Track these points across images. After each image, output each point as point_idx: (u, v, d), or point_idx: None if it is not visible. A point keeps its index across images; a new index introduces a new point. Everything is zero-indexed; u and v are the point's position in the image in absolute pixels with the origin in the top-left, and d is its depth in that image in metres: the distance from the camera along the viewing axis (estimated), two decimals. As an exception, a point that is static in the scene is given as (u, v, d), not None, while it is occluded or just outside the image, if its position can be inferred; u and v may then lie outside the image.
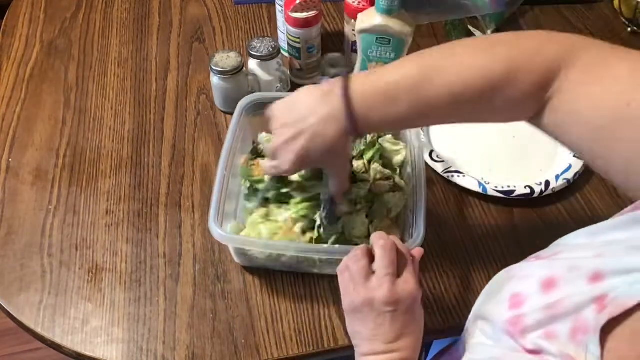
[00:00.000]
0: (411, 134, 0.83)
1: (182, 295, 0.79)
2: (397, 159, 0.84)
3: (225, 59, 0.97)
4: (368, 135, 0.83)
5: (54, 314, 0.77)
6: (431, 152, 0.94)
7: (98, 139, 0.99)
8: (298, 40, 1.01)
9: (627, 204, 0.58)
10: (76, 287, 0.80)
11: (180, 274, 0.81)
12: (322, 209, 0.75)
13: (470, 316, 0.64)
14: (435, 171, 0.91)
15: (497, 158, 0.95)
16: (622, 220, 0.51)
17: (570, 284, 0.48)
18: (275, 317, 0.77)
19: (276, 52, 0.99)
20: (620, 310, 0.42)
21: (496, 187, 0.88)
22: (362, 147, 0.83)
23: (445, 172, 0.90)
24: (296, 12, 0.98)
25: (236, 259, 0.81)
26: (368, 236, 0.76)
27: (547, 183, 0.88)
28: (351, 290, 0.62)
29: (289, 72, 1.06)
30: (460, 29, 1.16)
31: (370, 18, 0.92)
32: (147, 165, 0.95)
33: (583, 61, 0.54)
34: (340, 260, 0.66)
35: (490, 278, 0.80)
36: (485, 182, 0.89)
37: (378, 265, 0.62)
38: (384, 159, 0.83)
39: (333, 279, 0.69)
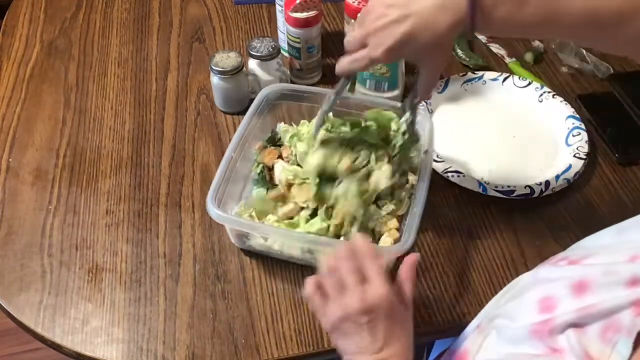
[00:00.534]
0: (426, 140, 0.83)
1: (182, 295, 0.79)
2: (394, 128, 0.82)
3: (225, 59, 0.97)
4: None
5: (54, 314, 0.77)
6: (431, 152, 0.94)
7: (98, 139, 0.99)
8: (298, 40, 1.01)
9: (628, 204, 0.58)
10: (76, 287, 0.80)
11: (180, 274, 0.81)
12: (408, 114, 0.71)
13: (485, 313, 0.63)
14: (435, 171, 0.91)
15: (497, 158, 0.95)
16: None
17: (606, 289, 0.47)
18: (275, 317, 0.77)
19: (276, 52, 0.99)
20: None
21: (496, 187, 0.88)
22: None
23: (445, 172, 0.90)
24: (296, 12, 0.98)
25: (233, 240, 0.82)
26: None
27: (547, 183, 0.88)
28: (325, 310, 0.60)
29: (289, 72, 1.06)
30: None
31: (370, 18, 0.92)
32: (147, 165, 0.95)
33: None
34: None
35: (490, 278, 0.81)
36: (485, 182, 0.89)
37: (341, 277, 0.59)
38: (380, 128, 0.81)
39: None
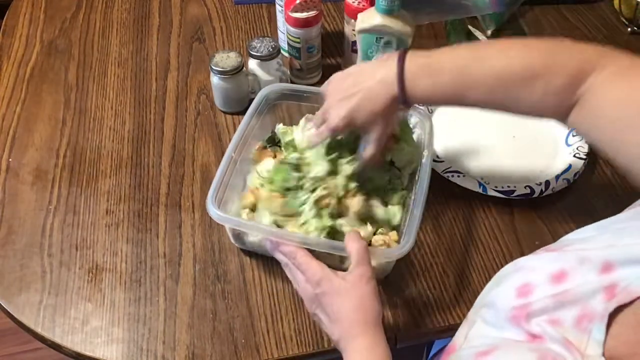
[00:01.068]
0: (426, 140, 0.84)
1: (182, 295, 0.79)
2: None
3: (225, 59, 0.97)
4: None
5: (54, 314, 0.77)
6: (431, 152, 0.94)
7: (98, 139, 0.99)
8: (298, 40, 1.01)
9: (628, 204, 0.58)
10: (76, 287, 0.80)
11: (180, 274, 0.81)
12: (355, 166, 0.79)
13: (473, 307, 0.64)
14: (435, 171, 0.91)
15: (497, 158, 0.95)
16: (637, 211, 0.53)
17: (580, 275, 0.49)
18: (275, 317, 0.77)
19: (276, 52, 0.99)
20: (629, 298, 0.44)
21: (496, 187, 0.88)
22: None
23: (445, 172, 0.90)
24: (296, 12, 0.98)
25: (232, 240, 0.82)
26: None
27: (547, 183, 0.88)
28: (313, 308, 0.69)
29: (289, 72, 1.06)
30: (460, 29, 1.16)
31: (370, 18, 0.92)
32: (147, 165, 0.95)
33: (615, 65, 0.59)
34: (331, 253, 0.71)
35: (490, 278, 0.80)
36: (485, 182, 0.89)
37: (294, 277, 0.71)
38: None
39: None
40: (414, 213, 0.74)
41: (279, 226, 0.77)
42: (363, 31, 0.94)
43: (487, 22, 1.15)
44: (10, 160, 0.95)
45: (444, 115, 1.01)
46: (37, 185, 0.92)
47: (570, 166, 0.91)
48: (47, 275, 0.81)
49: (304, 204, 0.77)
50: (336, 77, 0.77)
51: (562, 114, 0.63)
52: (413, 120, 0.87)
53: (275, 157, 0.87)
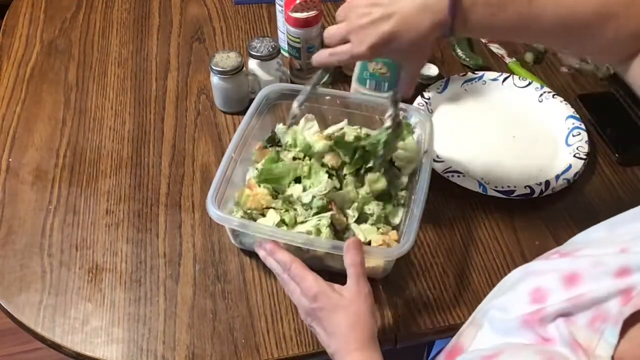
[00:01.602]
0: (426, 140, 0.84)
1: (182, 295, 0.79)
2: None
3: (225, 59, 0.97)
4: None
5: (54, 314, 0.77)
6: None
7: (98, 139, 0.99)
8: (298, 40, 1.01)
9: (628, 204, 0.58)
10: (76, 287, 0.80)
11: (180, 274, 0.81)
12: (391, 110, 0.75)
13: (479, 308, 0.64)
14: (435, 171, 0.91)
15: (497, 158, 0.95)
16: None
17: (595, 280, 0.48)
18: (275, 317, 0.77)
19: (276, 52, 0.99)
20: None
21: (496, 187, 0.88)
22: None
23: (445, 172, 0.90)
24: (296, 12, 0.98)
25: (232, 240, 0.83)
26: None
27: (547, 183, 0.88)
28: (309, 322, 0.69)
29: (289, 72, 1.06)
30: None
31: (370, 18, 0.92)
32: (147, 165, 0.95)
33: None
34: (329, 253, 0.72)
35: (490, 278, 0.81)
36: (485, 182, 0.89)
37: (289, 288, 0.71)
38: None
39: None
40: (414, 213, 0.74)
41: (252, 219, 0.79)
42: (363, 31, 0.94)
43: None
44: (10, 160, 0.95)
45: (444, 115, 1.01)
46: (37, 185, 0.92)
47: (570, 166, 0.91)
48: (47, 275, 0.81)
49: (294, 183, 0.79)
50: None
51: (626, 59, 0.60)
52: (413, 120, 0.87)
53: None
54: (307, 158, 0.84)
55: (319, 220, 0.76)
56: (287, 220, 0.78)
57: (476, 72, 1.06)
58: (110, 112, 1.03)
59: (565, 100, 1.01)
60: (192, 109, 1.03)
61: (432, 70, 1.05)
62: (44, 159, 0.96)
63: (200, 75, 1.09)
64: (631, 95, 1.02)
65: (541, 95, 1.02)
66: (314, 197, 0.78)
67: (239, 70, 0.97)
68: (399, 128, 0.78)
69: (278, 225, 0.77)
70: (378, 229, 0.79)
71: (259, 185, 0.81)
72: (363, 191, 0.81)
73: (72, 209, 0.89)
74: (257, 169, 0.83)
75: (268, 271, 0.81)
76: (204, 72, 1.09)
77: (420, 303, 0.79)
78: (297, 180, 0.82)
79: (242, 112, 0.92)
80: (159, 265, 0.82)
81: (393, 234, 0.79)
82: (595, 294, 0.47)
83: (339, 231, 0.78)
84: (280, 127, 0.89)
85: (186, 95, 1.06)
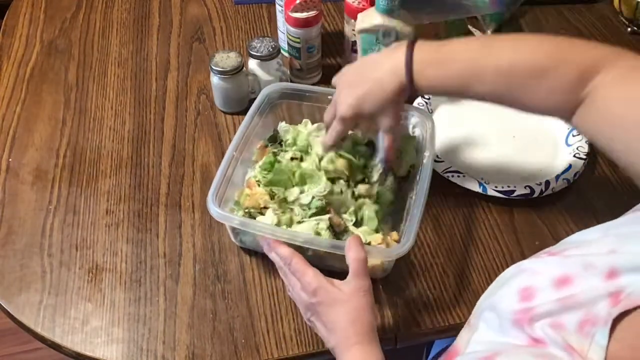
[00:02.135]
0: (427, 140, 0.84)
1: (182, 295, 0.79)
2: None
3: (225, 59, 0.97)
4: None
5: (54, 314, 0.77)
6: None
7: (98, 139, 0.99)
8: (298, 40, 1.01)
9: (628, 204, 0.58)
10: (76, 287, 0.80)
11: (180, 274, 0.81)
12: (377, 164, 0.83)
13: (475, 310, 0.64)
14: (435, 171, 0.91)
15: (497, 158, 0.95)
16: (638, 215, 0.52)
17: (585, 281, 0.49)
18: (275, 317, 0.77)
19: (276, 52, 0.99)
20: (634, 304, 0.43)
21: (496, 187, 0.88)
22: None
23: (445, 172, 0.90)
24: (296, 12, 0.98)
25: (232, 238, 0.83)
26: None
27: (547, 183, 0.88)
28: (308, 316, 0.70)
29: (289, 72, 1.06)
30: (460, 29, 1.16)
31: (370, 18, 0.92)
32: (147, 165, 0.95)
33: (624, 64, 0.59)
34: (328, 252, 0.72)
35: (490, 278, 0.81)
36: (485, 182, 0.89)
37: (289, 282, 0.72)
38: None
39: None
40: (414, 213, 0.74)
41: (252, 217, 0.79)
42: (363, 31, 0.94)
43: (487, 22, 1.15)
44: (10, 160, 0.95)
45: (444, 116, 1.01)
46: (37, 185, 0.92)
47: (570, 166, 0.91)
48: (47, 275, 0.81)
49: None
50: (346, 69, 0.78)
51: (567, 112, 0.63)
52: (414, 120, 0.87)
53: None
54: (304, 157, 0.84)
55: (318, 223, 0.76)
56: (283, 221, 0.77)
57: (476, 72, 1.06)
58: (110, 112, 1.03)
59: (565, 100, 1.01)
60: (192, 109, 1.03)
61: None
62: (44, 159, 0.96)
63: (200, 75, 1.09)
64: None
65: (541, 95, 1.02)
66: (313, 197, 0.78)
67: (239, 70, 0.97)
68: (385, 176, 0.84)
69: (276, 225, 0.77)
70: (377, 231, 0.79)
71: (259, 185, 0.81)
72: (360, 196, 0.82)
73: (72, 209, 0.89)
74: (258, 166, 0.83)
75: (268, 271, 0.81)
76: (204, 72, 1.09)
77: (420, 303, 0.79)
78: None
79: (242, 112, 0.92)
80: (159, 265, 0.82)
81: (393, 234, 0.79)
82: (584, 296, 0.48)
83: (338, 233, 0.78)
84: (282, 125, 0.89)
85: (186, 95, 1.06)
